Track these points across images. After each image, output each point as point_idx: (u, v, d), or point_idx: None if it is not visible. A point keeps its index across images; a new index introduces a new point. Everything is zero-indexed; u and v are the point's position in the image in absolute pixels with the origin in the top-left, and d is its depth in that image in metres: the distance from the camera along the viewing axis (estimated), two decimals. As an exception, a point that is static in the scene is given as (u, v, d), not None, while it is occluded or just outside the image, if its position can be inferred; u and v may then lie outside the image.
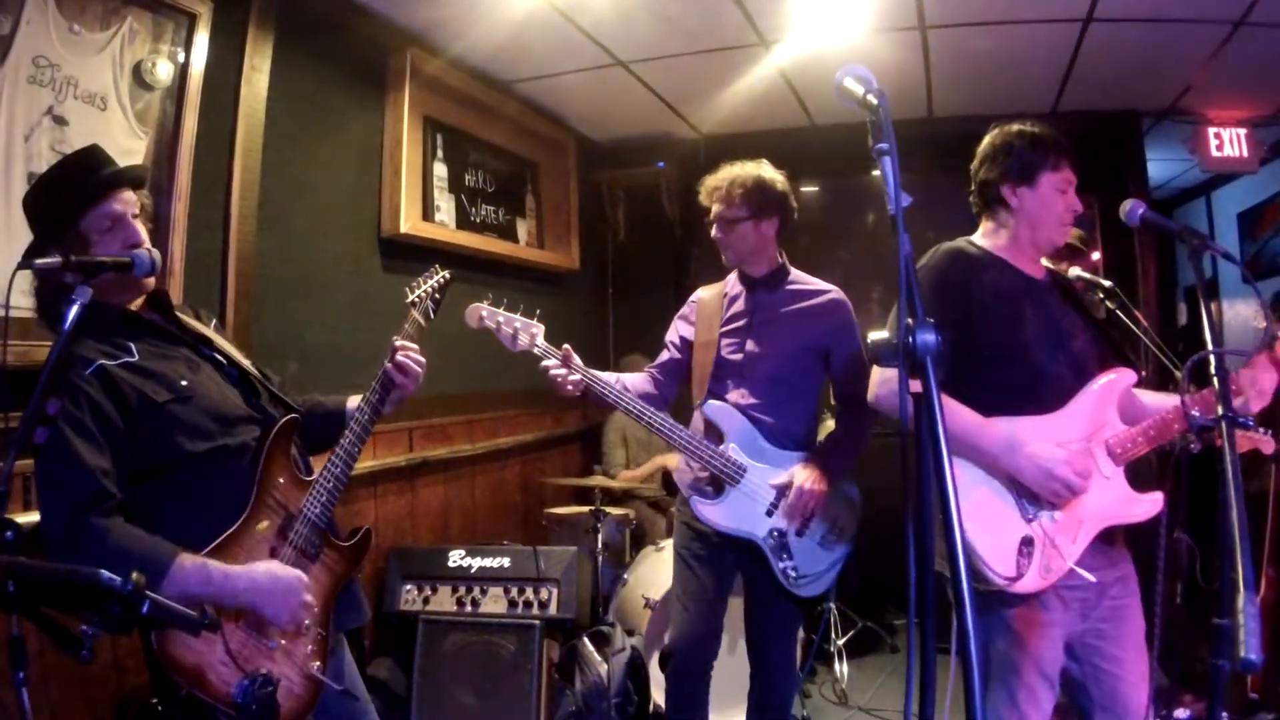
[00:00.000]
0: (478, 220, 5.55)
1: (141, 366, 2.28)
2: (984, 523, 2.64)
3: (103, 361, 2.23)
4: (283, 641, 2.29)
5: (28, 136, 2.90)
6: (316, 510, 2.44)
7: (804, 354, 3.53)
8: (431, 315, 2.94)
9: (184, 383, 2.33)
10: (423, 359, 2.73)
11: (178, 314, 2.54)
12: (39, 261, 2.15)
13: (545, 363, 3.30)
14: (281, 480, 2.41)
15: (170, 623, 1.86)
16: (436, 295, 2.96)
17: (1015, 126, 2.90)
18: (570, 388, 3.32)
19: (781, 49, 5.15)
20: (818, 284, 3.64)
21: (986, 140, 2.96)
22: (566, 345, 3.26)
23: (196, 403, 2.33)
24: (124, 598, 1.74)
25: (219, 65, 3.62)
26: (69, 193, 2.32)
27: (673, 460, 5.63)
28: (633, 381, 3.71)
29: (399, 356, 2.68)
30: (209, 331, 2.59)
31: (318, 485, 2.47)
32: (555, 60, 5.32)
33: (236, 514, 2.31)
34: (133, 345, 2.31)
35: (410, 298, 2.91)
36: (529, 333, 3.35)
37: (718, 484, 3.46)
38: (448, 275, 3.00)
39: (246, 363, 2.60)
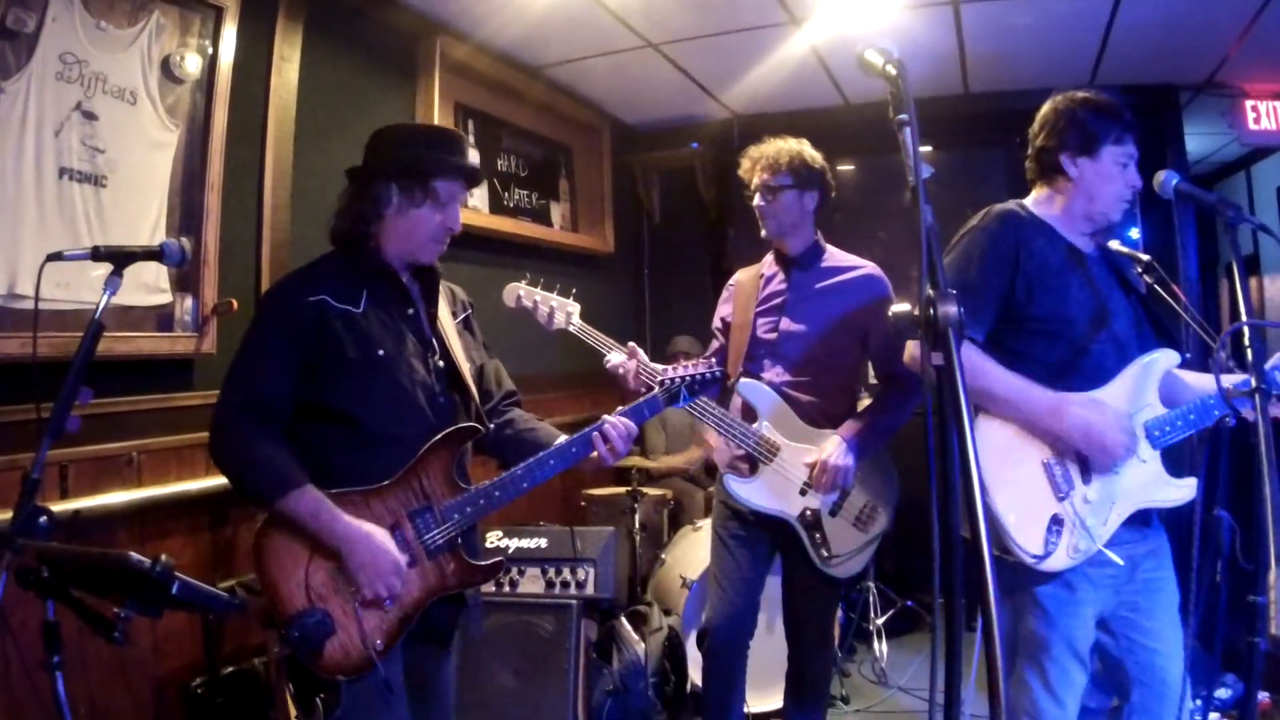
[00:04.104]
0: (511, 205, 5.58)
1: (355, 320, 2.49)
2: (1014, 498, 2.62)
3: (326, 298, 2.46)
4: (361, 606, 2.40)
5: (58, 132, 2.95)
6: (455, 516, 2.52)
7: (839, 331, 3.51)
8: (680, 403, 2.89)
9: (380, 352, 2.50)
10: (625, 448, 2.71)
11: (440, 292, 2.75)
12: (68, 253, 2.24)
13: (611, 357, 3.30)
14: (434, 474, 2.52)
15: (200, 604, 1.90)
16: (695, 385, 2.88)
17: (1081, 94, 2.82)
18: (633, 382, 3.31)
19: (811, 26, 5.10)
20: (853, 260, 3.63)
21: (1049, 105, 2.87)
22: (632, 343, 3.26)
23: (383, 374, 2.49)
24: (154, 580, 1.78)
25: (248, 57, 3.66)
26: (455, 155, 2.63)
27: (711, 440, 5.64)
28: None
29: (605, 426, 2.68)
30: (449, 322, 2.75)
31: (468, 495, 2.54)
32: (585, 43, 5.32)
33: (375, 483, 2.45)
34: (365, 298, 2.51)
35: (662, 377, 2.88)
36: (565, 311, 3.37)
37: (753, 463, 3.46)
38: (718, 373, 2.92)
39: (465, 365, 2.71)
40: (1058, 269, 2.73)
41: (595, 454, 2.67)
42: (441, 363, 2.64)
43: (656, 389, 2.84)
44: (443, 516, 2.50)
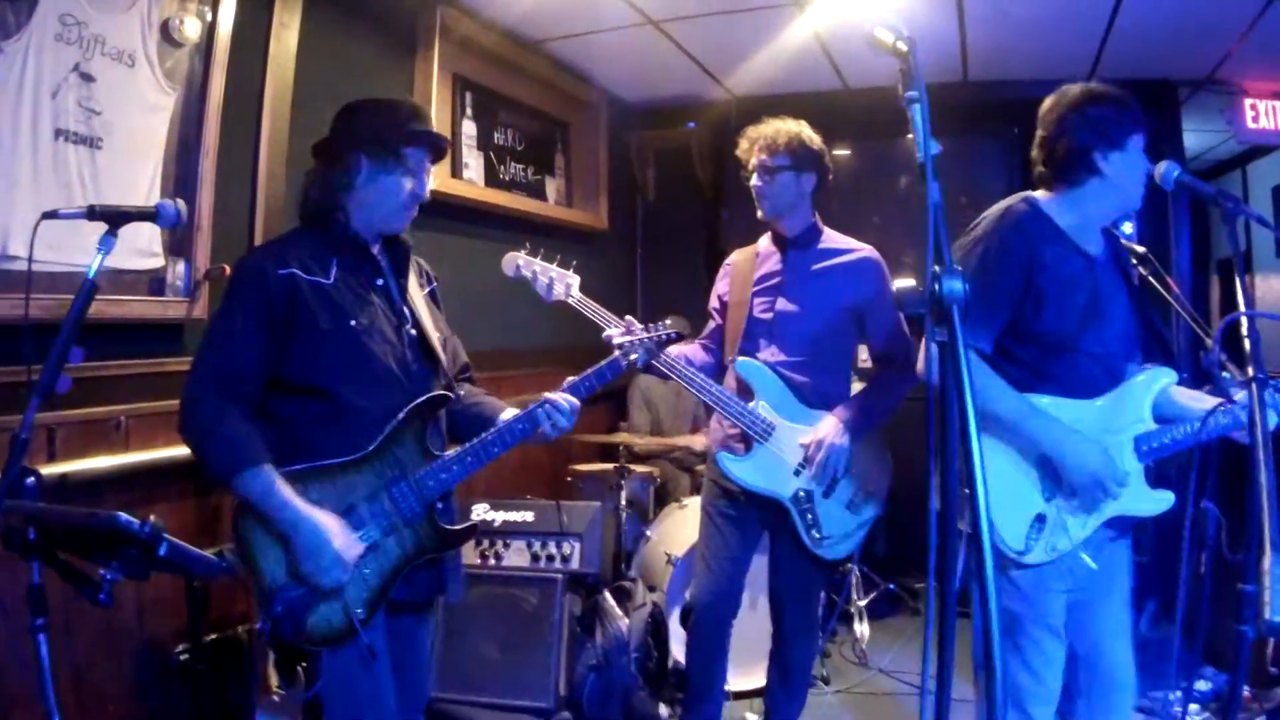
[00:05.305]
0: (506, 178, 5.56)
1: (326, 291, 2.49)
2: (1001, 493, 2.66)
3: (296, 270, 2.46)
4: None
5: (55, 94, 2.92)
6: (430, 484, 2.54)
7: (835, 312, 3.53)
8: (641, 364, 2.93)
9: (352, 322, 2.50)
10: (568, 423, 2.72)
11: (410, 263, 2.77)
12: (63, 211, 2.23)
13: (610, 331, 3.25)
14: (409, 443, 2.53)
15: (188, 566, 1.91)
16: (653, 345, 2.93)
17: (1093, 88, 2.76)
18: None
19: (815, 10, 5.08)
20: (850, 243, 3.63)
21: (1067, 105, 2.77)
22: (629, 317, 3.25)
23: (355, 345, 2.50)
24: (142, 540, 1.78)
25: (248, 23, 3.62)
26: (415, 125, 2.64)
27: (696, 442, 5.66)
28: (690, 352, 3.76)
29: (547, 404, 2.69)
30: (418, 293, 2.77)
31: (441, 462, 2.57)
32: (586, 19, 5.28)
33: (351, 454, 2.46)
34: (334, 269, 2.52)
35: (621, 339, 2.93)
36: (564, 283, 3.38)
37: (748, 442, 3.47)
38: (678, 333, 2.97)
39: (435, 334, 2.73)
40: (1067, 283, 2.73)
41: (540, 429, 2.69)
42: (414, 332, 2.66)
43: (615, 352, 2.87)
44: (417, 484, 2.52)
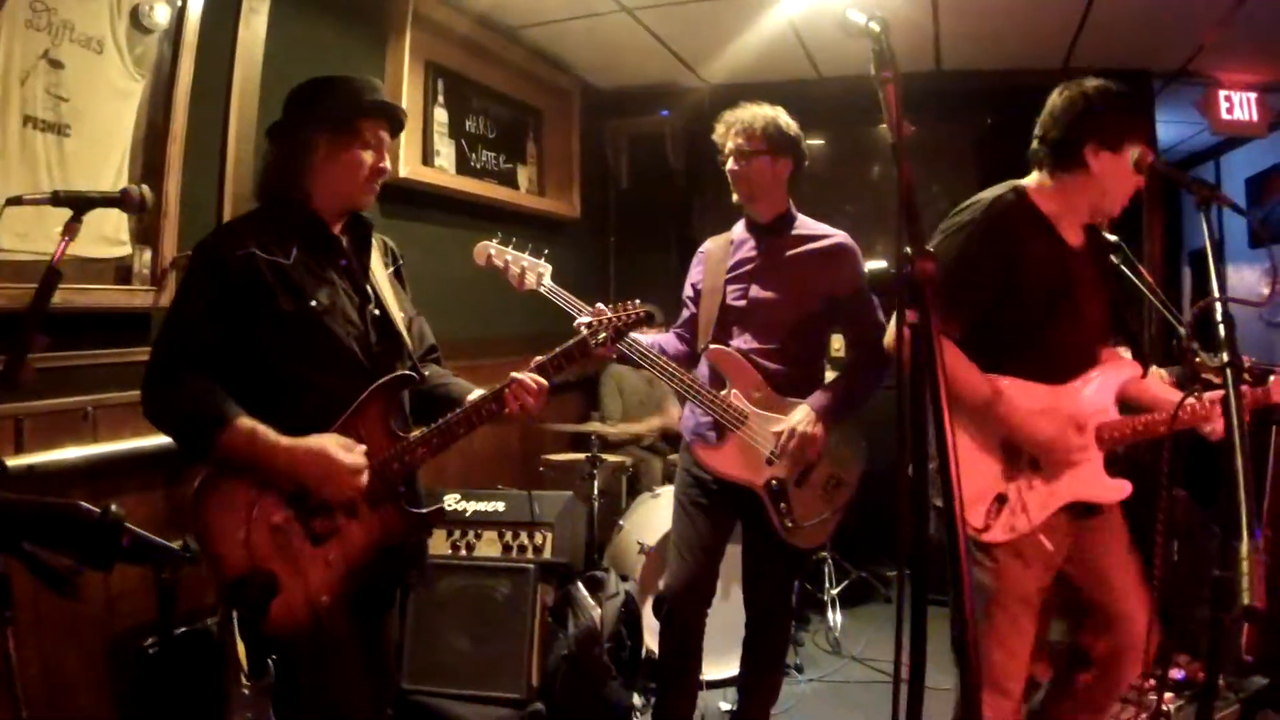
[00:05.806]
0: (478, 166, 5.54)
1: (286, 271, 2.44)
2: (965, 471, 2.67)
3: (255, 250, 2.41)
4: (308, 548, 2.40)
5: (23, 80, 2.88)
6: (394, 467, 2.51)
7: (809, 299, 3.50)
8: (610, 346, 2.89)
9: (313, 303, 2.45)
10: (537, 401, 2.68)
11: (373, 242, 2.74)
12: (27, 196, 2.20)
13: (582, 320, 3.21)
14: (372, 423, 2.50)
15: (150, 556, 1.88)
16: (621, 326, 2.88)
17: (1108, 85, 2.75)
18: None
19: (788, -1, 5.09)
20: (824, 229, 3.61)
21: (1074, 92, 2.76)
22: (599, 304, 3.22)
23: (316, 326, 2.46)
24: (104, 530, 1.76)
25: (217, 8, 3.58)
26: (370, 97, 2.60)
27: (671, 419, 5.65)
28: (664, 340, 3.74)
29: (514, 384, 2.65)
30: (381, 273, 2.73)
31: (406, 444, 2.54)
32: (560, 5, 5.26)
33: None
34: (295, 249, 2.47)
35: (591, 319, 2.88)
36: (536, 272, 3.35)
37: (720, 430, 3.46)
38: (646, 313, 2.92)
39: (399, 315, 2.69)
40: (1045, 272, 2.74)
41: (507, 410, 2.66)
42: (377, 312, 2.63)
43: (583, 331, 2.85)
44: (381, 467, 2.48)
